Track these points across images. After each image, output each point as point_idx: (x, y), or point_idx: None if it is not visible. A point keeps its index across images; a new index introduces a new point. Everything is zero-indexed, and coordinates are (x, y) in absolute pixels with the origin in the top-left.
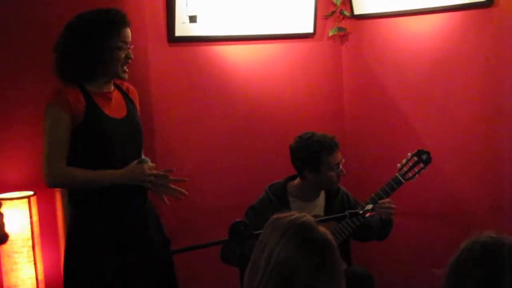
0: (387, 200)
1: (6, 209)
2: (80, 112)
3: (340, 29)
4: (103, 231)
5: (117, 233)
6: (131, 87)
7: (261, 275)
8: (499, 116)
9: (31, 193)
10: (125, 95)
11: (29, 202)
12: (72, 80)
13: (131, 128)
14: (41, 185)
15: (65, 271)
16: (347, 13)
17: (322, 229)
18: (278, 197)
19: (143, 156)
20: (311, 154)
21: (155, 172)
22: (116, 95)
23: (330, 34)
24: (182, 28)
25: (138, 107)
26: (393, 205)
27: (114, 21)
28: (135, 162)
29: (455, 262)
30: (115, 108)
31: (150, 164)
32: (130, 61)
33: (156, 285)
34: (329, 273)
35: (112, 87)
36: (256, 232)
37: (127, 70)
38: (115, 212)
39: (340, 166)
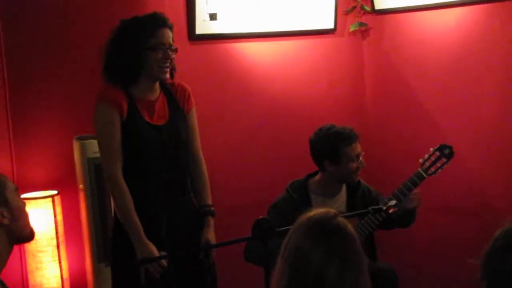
0: (417, 192)
1: (31, 208)
2: (124, 113)
3: (361, 24)
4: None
5: (154, 227)
6: (181, 86)
7: (279, 264)
8: None
9: (55, 192)
10: (172, 98)
11: (53, 201)
12: (117, 83)
13: (171, 136)
14: (65, 184)
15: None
16: (367, 8)
17: (341, 219)
18: (300, 194)
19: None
20: (331, 145)
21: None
22: (160, 101)
23: (351, 29)
24: (203, 26)
25: (190, 105)
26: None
27: (148, 22)
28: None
29: (489, 251)
30: (157, 116)
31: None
32: (169, 61)
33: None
34: (342, 262)
35: (158, 92)
36: (279, 229)
37: (167, 70)
38: (152, 205)
39: (360, 158)
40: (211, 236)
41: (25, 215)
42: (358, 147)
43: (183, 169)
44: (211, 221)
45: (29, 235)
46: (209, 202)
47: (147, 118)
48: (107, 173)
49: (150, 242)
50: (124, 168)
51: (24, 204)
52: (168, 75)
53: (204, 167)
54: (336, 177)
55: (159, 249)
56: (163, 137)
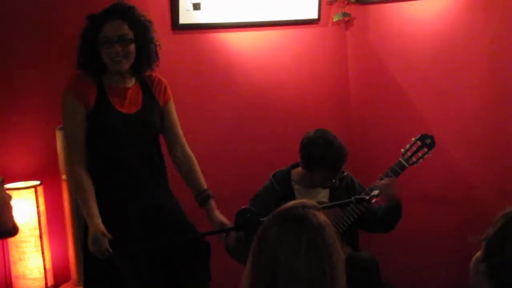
0: (386, 181)
1: (13, 199)
2: (91, 102)
3: (344, 14)
4: (111, 215)
5: (122, 217)
6: (158, 79)
7: (250, 255)
8: (505, 100)
9: (38, 182)
10: (147, 89)
11: (36, 191)
12: (88, 71)
13: (141, 124)
14: (48, 174)
15: (84, 256)
16: None
17: (311, 210)
18: (282, 184)
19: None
20: (308, 160)
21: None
22: (134, 90)
23: (335, 19)
24: (186, 16)
25: (167, 98)
26: (389, 189)
27: (97, 17)
28: (105, 237)
29: (489, 239)
30: (128, 103)
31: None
32: (120, 54)
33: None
34: (309, 253)
35: (132, 82)
36: (263, 219)
37: (119, 61)
38: (124, 194)
39: (334, 180)
40: (221, 216)
41: (8, 209)
42: (332, 174)
43: (154, 158)
44: (214, 203)
45: (11, 230)
46: (205, 186)
47: (117, 106)
48: (69, 168)
49: (117, 233)
50: (93, 156)
51: (9, 197)
52: (124, 66)
53: (192, 154)
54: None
55: (128, 240)
56: (133, 124)
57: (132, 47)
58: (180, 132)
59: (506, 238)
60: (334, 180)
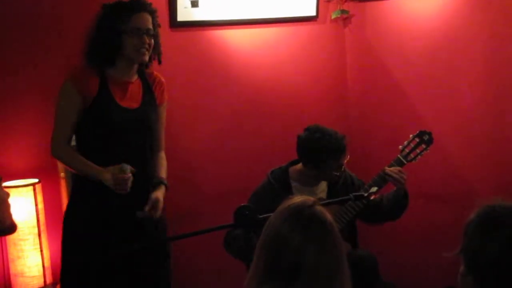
0: (396, 168)
1: (12, 197)
2: (91, 95)
3: (342, 11)
4: (90, 216)
5: (104, 216)
6: (158, 78)
7: (257, 251)
8: (503, 96)
9: (36, 180)
10: (148, 86)
11: (34, 189)
12: (94, 64)
13: (140, 120)
14: (46, 172)
15: (62, 260)
16: None
17: (319, 207)
18: (280, 182)
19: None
20: (318, 156)
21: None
22: (135, 85)
23: (333, 16)
24: (184, 13)
25: (163, 99)
26: (403, 174)
27: (124, 7)
28: (117, 167)
29: (466, 242)
30: (129, 98)
31: (127, 170)
32: (146, 45)
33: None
34: (319, 249)
35: (135, 76)
36: (261, 216)
37: (144, 53)
38: (103, 195)
39: (344, 166)
40: (159, 194)
41: (6, 207)
42: (344, 158)
43: (146, 156)
44: (163, 187)
45: (9, 228)
46: (164, 176)
47: (118, 100)
48: (52, 146)
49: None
50: (87, 148)
51: (7, 195)
52: (146, 58)
53: (165, 158)
54: (315, 175)
55: (109, 235)
56: (131, 119)
57: (153, 41)
58: (163, 135)
59: (482, 244)
60: (344, 165)
